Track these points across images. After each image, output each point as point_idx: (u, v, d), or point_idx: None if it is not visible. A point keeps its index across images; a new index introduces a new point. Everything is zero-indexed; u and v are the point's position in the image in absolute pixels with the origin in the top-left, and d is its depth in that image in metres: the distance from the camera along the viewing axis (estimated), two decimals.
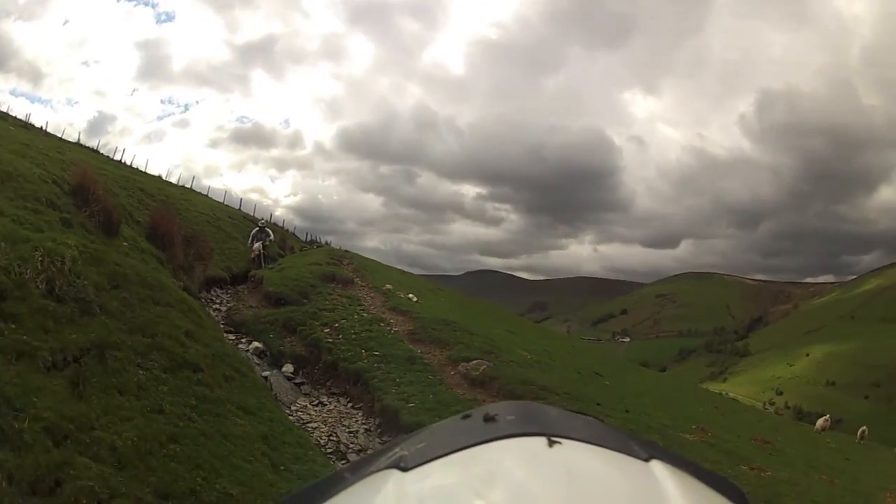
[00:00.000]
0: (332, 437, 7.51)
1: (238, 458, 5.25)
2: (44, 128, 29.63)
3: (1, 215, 6.99)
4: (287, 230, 34.28)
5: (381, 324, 11.49)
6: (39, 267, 6.09)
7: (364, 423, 8.10)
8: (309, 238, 35.26)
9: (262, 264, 17.84)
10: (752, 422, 15.30)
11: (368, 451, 7.46)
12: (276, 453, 6.04)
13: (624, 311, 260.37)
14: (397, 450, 0.71)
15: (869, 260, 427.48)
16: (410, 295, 15.14)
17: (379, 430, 7.91)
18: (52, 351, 5.20)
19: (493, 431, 0.70)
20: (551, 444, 0.66)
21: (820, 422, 21.01)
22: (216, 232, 18.32)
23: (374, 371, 9.17)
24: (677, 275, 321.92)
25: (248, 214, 30.52)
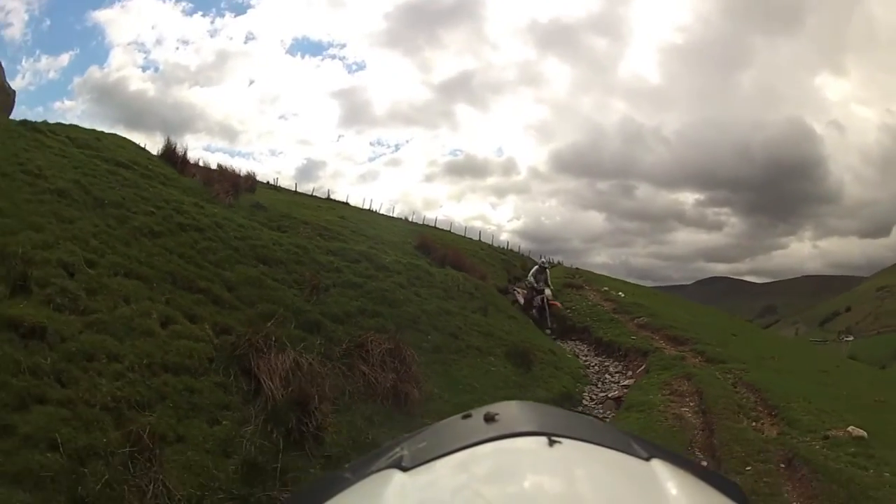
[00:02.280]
0: (572, 352, 15.92)
1: (536, 338, 14.23)
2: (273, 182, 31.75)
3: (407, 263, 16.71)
4: (522, 254, 39.35)
5: (598, 307, 19.50)
6: (456, 281, 15.45)
7: (587, 349, 16.32)
8: (542, 259, 42.60)
9: (548, 321, 17.33)
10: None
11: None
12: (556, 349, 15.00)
13: (848, 309, 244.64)
14: (398, 449, 0.78)
15: None
16: (620, 293, 23.34)
17: (595, 349, 15.90)
18: (472, 308, 14.33)
19: (493, 431, 0.75)
20: (552, 443, 0.71)
21: None
22: (480, 262, 24.97)
23: (592, 325, 17.11)
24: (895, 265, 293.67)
25: (504, 250, 37.25)
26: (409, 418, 7.07)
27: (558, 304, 17.91)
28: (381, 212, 36.50)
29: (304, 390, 5.87)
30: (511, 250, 40.02)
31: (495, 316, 14.16)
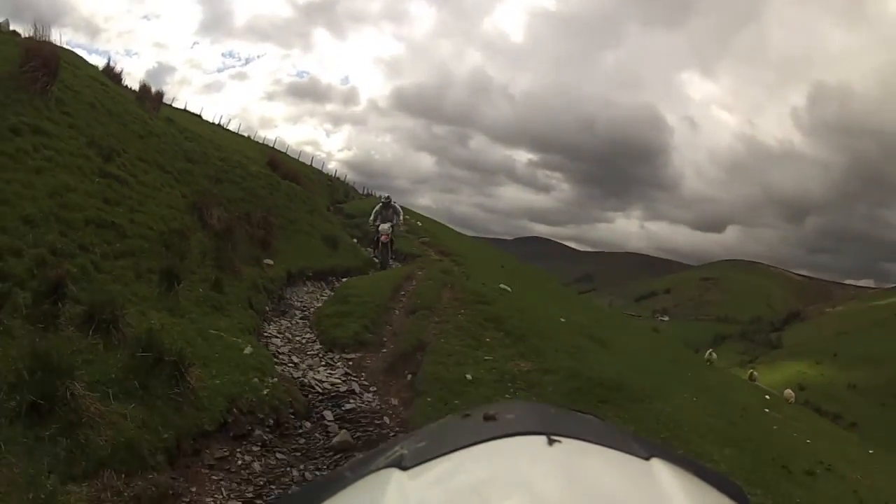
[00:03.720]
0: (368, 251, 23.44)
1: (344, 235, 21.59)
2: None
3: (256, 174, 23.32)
4: (347, 183, 45.06)
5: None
6: (295, 191, 22.29)
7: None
8: (365, 192, 44.64)
9: (388, 255, 18.45)
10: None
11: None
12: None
13: (667, 291, 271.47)
14: (397, 448, 0.80)
15: None
16: (419, 223, 31.43)
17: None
18: (304, 209, 21.42)
19: (493, 430, 0.78)
20: (551, 442, 0.73)
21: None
22: (311, 183, 30.99)
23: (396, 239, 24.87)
24: (724, 260, 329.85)
25: (331, 177, 42.17)
26: (271, 254, 14.11)
27: (386, 237, 18.36)
28: (227, 126, 41.08)
29: (229, 226, 12.80)
30: (337, 178, 44.83)
31: (318, 217, 21.11)
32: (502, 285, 15.64)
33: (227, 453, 5.63)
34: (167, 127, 17.04)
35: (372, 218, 18.51)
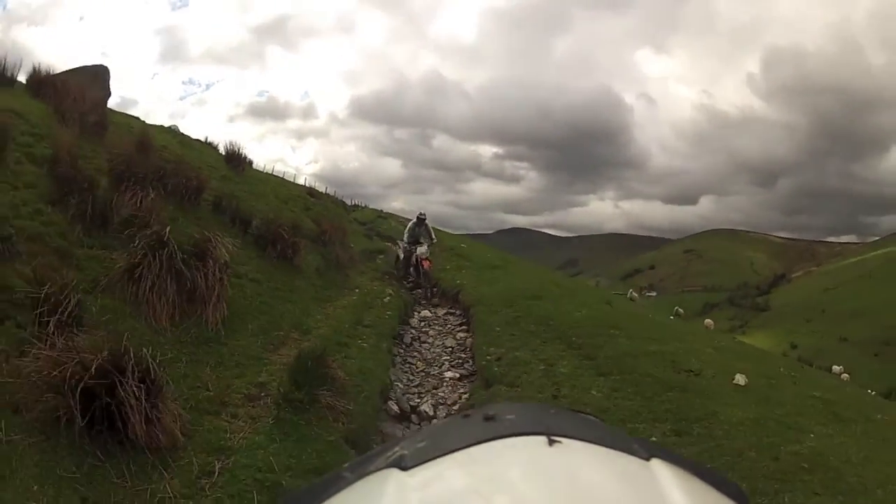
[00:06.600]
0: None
1: None
2: None
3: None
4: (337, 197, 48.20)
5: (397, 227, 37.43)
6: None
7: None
8: (353, 203, 43.77)
9: (430, 281, 16.62)
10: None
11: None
12: None
13: (652, 267, 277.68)
14: (397, 449, 0.80)
15: (889, 221, 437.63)
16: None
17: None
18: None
19: (493, 431, 0.78)
20: (551, 443, 0.74)
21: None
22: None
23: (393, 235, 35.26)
24: (705, 231, 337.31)
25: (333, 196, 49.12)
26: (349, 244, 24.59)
27: (428, 263, 17.10)
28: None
29: (329, 232, 23.43)
30: (328, 193, 52.01)
31: (354, 224, 31.89)
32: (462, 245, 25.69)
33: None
34: (267, 181, 27.20)
35: (406, 237, 18.10)
